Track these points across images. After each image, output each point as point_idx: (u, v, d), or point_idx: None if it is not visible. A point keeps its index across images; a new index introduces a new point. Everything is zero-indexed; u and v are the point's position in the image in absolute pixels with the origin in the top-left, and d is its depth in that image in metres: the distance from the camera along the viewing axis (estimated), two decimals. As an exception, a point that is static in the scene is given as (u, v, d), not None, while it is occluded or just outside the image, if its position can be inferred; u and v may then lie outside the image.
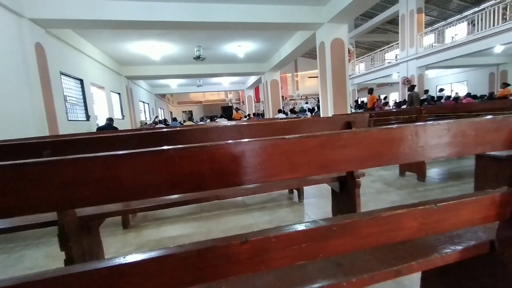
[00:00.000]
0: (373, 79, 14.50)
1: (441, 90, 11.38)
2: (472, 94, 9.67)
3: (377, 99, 9.42)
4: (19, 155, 1.23)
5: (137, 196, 0.58)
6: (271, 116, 11.26)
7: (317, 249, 0.68)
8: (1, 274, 1.65)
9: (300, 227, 0.66)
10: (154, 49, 8.09)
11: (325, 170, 0.66)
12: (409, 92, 7.92)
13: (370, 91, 8.90)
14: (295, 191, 2.73)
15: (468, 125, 0.72)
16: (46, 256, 1.84)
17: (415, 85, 8.40)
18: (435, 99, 10.07)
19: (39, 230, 1.75)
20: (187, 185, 0.57)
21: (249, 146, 0.58)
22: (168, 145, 0.56)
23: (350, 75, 11.86)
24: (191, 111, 24.42)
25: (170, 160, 0.55)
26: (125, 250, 1.84)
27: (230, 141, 0.56)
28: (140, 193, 0.57)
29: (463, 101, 8.24)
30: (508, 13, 8.47)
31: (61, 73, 5.66)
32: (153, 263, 0.58)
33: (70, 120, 5.79)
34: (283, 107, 13.12)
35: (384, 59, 13.89)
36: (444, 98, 10.06)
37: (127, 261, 0.57)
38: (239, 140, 0.57)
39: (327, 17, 5.87)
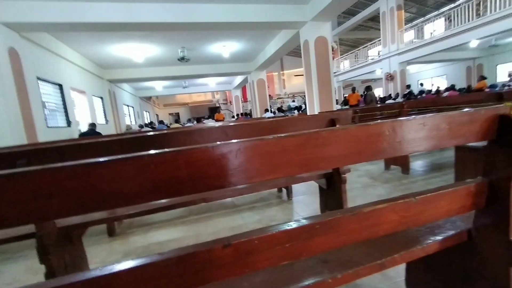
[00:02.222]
0: (357, 76, 14.78)
1: (421, 85, 11.99)
2: (455, 86, 9.99)
3: (361, 96, 9.76)
4: (-9, 167, 1.16)
5: (117, 204, 0.56)
6: (259, 116, 11.27)
7: (301, 248, 0.68)
8: (-22, 292, 1.57)
9: (283, 227, 0.66)
10: (137, 51, 7.91)
11: (306, 169, 0.66)
12: (366, 93, 8.66)
13: (353, 89, 9.34)
14: (284, 190, 2.75)
15: (442, 119, 0.74)
16: (26, 270, 1.76)
17: (371, 85, 9.13)
18: (417, 94, 10.40)
19: (18, 243, 1.67)
20: (166, 190, 0.56)
21: (227, 149, 0.57)
22: (151, 149, 0.54)
23: (335, 72, 12.05)
24: (178, 113, 24.07)
25: (145, 166, 0.53)
26: (111, 259, 1.79)
27: (207, 145, 0.55)
28: (120, 200, 0.55)
29: (447, 94, 8.55)
30: (481, 8, 8.84)
31: (38, 78, 5.43)
32: (133, 273, 0.57)
33: (50, 127, 5.57)
34: (270, 106, 13.16)
35: (368, 56, 14.18)
36: (425, 92, 10.40)
37: (105, 273, 0.55)
38: (216, 143, 0.56)
39: (310, 15, 5.93)
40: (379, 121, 0.71)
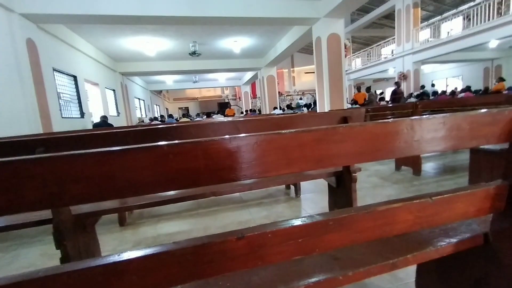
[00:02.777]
0: (369, 75, 14.51)
1: (433, 85, 11.63)
2: (470, 87, 9.69)
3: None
4: (11, 153, 1.21)
5: (131, 193, 0.57)
6: (267, 112, 11.24)
7: (313, 243, 0.68)
8: (-4, 273, 1.64)
9: (297, 222, 0.66)
10: (149, 45, 7.99)
11: (321, 164, 0.66)
12: (368, 93, 8.78)
13: (359, 89, 9.23)
14: (292, 187, 2.74)
15: (463, 119, 0.72)
16: (41, 254, 1.83)
17: (370, 86, 9.22)
18: (430, 94, 10.14)
19: (34, 229, 1.73)
20: (181, 181, 0.57)
21: (244, 142, 0.57)
22: (163, 141, 0.55)
23: (346, 71, 11.86)
24: (187, 107, 24.28)
25: (164, 156, 0.54)
26: (122, 247, 1.84)
27: (225, 137, 0.56)
28: (134, 189, 0.56)
29: (463, 95, 8.31)
30: (503, 7, 8.50)
31: (54, 70, 5.57)
32: (149, 260, 0.58)
33: (64, 118, 5.72)
34: (279, 103, 13.11)
35: (381, 54, 13.89)
36: (439, 93, 10.12)
37: (122, 259, 0.56)
38: (234, 136, 0.56)
39: (323, 11, 5.84)
40: (396, 119, 0.70)
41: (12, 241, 2.04)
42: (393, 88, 9.29)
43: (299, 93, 18.57)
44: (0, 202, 0.48)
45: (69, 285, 0.54)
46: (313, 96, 14.91)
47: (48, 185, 0.50)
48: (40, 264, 1.70)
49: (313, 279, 0.73)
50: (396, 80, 11.75)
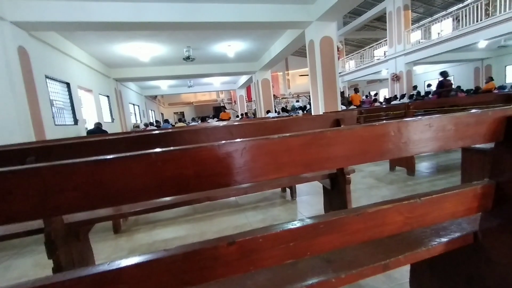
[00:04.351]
0: (363, 76, 14.67)
1: (429, 85, 11.72)
2: (461, 87, 9.86)
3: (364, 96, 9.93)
4: (2, 163, 1.19)
5: (122, 201, 0.57)
6: (263, 115, 11.27)
7: (305, 247, 0.68)
8: (-12, 286, 1.60)
9: (287, 226, 0.66)
10: (143, 51, 7.98)
11: (310, 168, 0.66)
12: (342, 97, 8.81)
13: (356, 90, 9.46)
14: (288, 190, 2.75)
15: (448, 120, 0.73)
16: (34, 265, 1.80)
17: (343, 91, 9.55)
18: (423, 94, 10.27)
19: (26, 239, 1.70)
20: (171, 188, 0.57)
21: (232, 147, 0.58)
22: (157, 148, 0.55)
23: (340, 73, 12.00)
24: (183, 112, 24.20)
25: (152, 164, 0.54)
26: (116, 255, 1.82)
27: (213, 143, 0.56)
28: (124, 197, 0.56)
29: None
30: (490, 9, 8.70)
31: (47, 77, 5.52)
32: (139, 269, 0.58)
33: (58, 125, 5.65)
34: (275, 106, 13.15)
35: (373, 56, 14.06)
36: (431, 93, 10.24)
37: (112, 268, 0.56)
38: (222, 142, 0.57)
39: (316, 15, 5.90)
40: (384, 121, 0.71)
41: (4, 252, 2.00)
42: (386, 89, 9.41)
43: (294, 95, 18.66)
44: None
45: (60, 295, 0.54)
46: (307, 98, 15.00)
47: (38, 195, 0.50)
48: (32, 274, 1.67)
49: (307, 282, 0.73)
50: (390, 81, 11.87)
